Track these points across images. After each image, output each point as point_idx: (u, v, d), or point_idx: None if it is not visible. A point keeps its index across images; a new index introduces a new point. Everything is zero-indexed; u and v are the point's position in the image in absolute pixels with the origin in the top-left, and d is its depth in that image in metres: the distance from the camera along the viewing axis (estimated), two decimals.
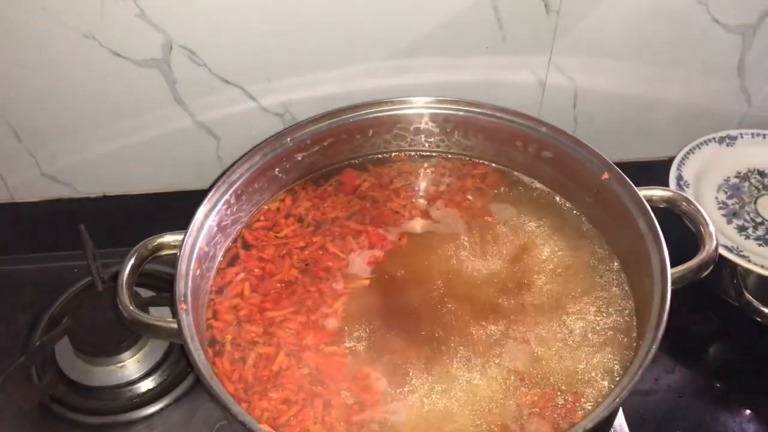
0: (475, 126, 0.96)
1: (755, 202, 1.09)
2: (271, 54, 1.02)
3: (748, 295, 0.96)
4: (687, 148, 1.13)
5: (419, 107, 0.96)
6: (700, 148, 1.14)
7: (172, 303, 0.75)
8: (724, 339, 1.04)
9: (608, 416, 0.68)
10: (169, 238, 0.80)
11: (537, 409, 0.74)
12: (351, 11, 0.99)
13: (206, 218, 0.83)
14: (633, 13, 1.05)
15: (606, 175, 0.87)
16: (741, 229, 1.05)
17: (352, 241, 0.90)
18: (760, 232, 1.04)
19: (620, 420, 0.89)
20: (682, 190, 1.07)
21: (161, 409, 0.92)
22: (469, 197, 0.96)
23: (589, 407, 0.74)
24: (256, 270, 0.86)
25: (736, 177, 1.13)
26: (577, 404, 0.74)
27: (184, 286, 0.76)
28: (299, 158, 0.94)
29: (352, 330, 0.81)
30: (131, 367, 0.94)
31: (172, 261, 0.80)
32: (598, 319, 0.82)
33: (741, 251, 0.99)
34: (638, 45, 1.09)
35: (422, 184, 0.98)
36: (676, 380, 0.96)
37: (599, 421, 0.65)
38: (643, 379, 0.68)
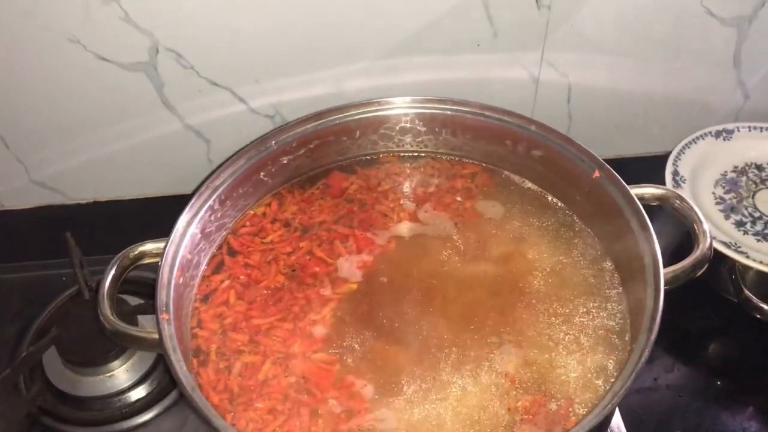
0: (463, 125, 0.95)
1: (753, 197, 1.07)
2: (260, 55, 1.01)
3: (747, 292, 0.94)
4: (683, 143, 1.12)
5: (406, 107, 0.95)
6: (696, 143, 1.13)
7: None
8: (724, 336, 1.03)
9: (602, 422, 0.66)
10: (150, 246, 0.79)
11: (529, 416, 0.73)
12: (339, 11, 0.98)
13: (189, 225, 0.81)
14: (625, 7, 1.04)
15: (597, 174, 0.85)
16: (739, 224, 1.03)
17: (339, 246, 0.88)
18: (759, 227, 1.02)
19: (617, 421, 0.87)
20: (679, 185, 1.06)
21: (152, 419, 0.90)
22: (458, 198, 0.94)
23: (583, 412, 0.72)
24: (242, 277, 0.85)
25: (734, 171, 1.11)
26: (570, 409, 0.73)
27: (165, 295, 0.74)
28: (285, 161, 0.93)
29: (339, 337, 0.80)
30: (120, 376, 0.93)
31: (156, 264, 0.78)
32: (590, 320, 0.80)
33: (739, 247, 0.97)
34: (631, 39, 1.08)
35: (411, 186, 0.97)
36: (675, 379, 0.95)
37: (591, 427, 0.63)
38: (638, 380, 0.67)
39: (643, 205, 0.80)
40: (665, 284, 0.73)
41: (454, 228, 0.91)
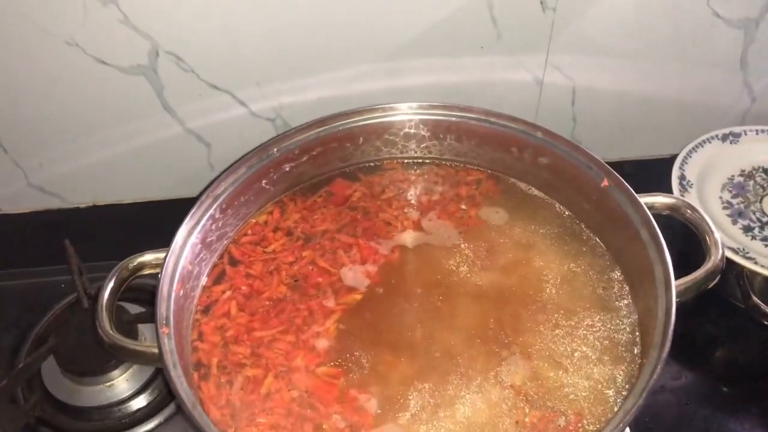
0: (468, 131, 0.93)
1: (761, 201, 1.06)
2: (261, 58, 1.01)
3: (755, 298, 0.93)
4: (689, 147, 1.11)
5: (410, 113, 0.93)
6: (702, 146, 1.11)
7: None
8: (731, 343, 1.01)
9: None
10: (149, 257, 0.78)
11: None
12: (342, 13, 0.97)
13: (189, 235, 0.80)
14: (631, 9, 1.03)
15: (606, 182, 0.84)
16: (747, 229, 1.02)
17: (343, 255, 0.87)
18: (767, 232, 1.01)
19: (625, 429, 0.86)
20: (686, 190, 1.05)
21: (152, 429, 0.89)
22: (463, 206, 0.93)
23: (592, 429, 0.71)
24: (244, 287, 0.84)
25: (741, 175, 1.10)
26: (579, 425, 0.72)
27: (166, 308, 0.73)
28: (287, 168, 0.91)
29: (343, 349, 0.78)
30: (120, 385, 0.92)
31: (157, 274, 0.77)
32: (599, 332, 0.79)
33: (747, 253, 0.96)
34: (637, 41, 1.07)
35: (415, 193, 0.95)
36: (682, 386, 0.94)
37: None
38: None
39: (653, 214, 0.79)
40: (676, 296, 0.71)
41: (459, 237, 0.89)
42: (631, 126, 1.19)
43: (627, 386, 0.74)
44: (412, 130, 0.95)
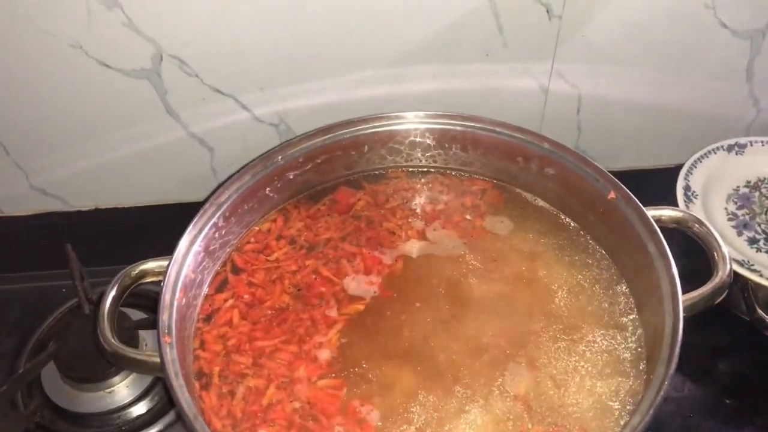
0: (474, 140, 0.92)
1: (766, 213, 1.05)
2: (265, 63, 1.00)
3: (760, 311, 0.93)
4: (694, 157, 1.10)
5: (416, 121, 0.93)
6: (708, 157, 1.11)
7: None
8: (735, 355, 1.01)
9: None
10: (152, 264, 0.77)
11: None
12: (346, 18, 0.97)
13: (192, 243, 0.79)
14: (637, 18, 1.02)
15: (612, 194, 0.83)
16: (752, 241, 1.01)
17: (346, 265, 0.86)
18: None
19: None
20: (690, 200, 1.04)
21: None
22: (468, 216, 0.92)
23: None
24: (246, 296, 0.83)
25: (746, 186, 1.09)
26: None
27: (168, 317, 0.72)
28: (291, 176, 0.91)
29: (346, 360, 0.78)
30: (121, 392, 0.91)
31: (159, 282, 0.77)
32: (604, 346, 0.79)
33: (752, 265, 0.95)
34: (643, 50, 1.06)
35: (419, 202, 0.95)
36: (685, 398, 0.94)
37: None
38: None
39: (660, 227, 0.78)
40: (683, 311, 0.71)
41: (464, 247, 0.89)
42: (636, 135, 1.18)
43: (632, 401, 0.73)
44: (418, 139, 0.94)
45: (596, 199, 0.85)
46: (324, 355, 0.78)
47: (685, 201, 1.04)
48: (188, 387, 0.68)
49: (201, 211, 0.81)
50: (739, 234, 1.03)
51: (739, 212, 1.06)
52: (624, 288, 0.83)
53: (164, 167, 1.11)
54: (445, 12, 0.98)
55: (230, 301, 0.83)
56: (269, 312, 0.82)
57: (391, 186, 0.96)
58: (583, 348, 0.78)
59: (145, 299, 0.98)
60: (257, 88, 1.03)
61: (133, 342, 0.90)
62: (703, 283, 0.76)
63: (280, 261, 0.87)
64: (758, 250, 1.00)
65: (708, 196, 1.07)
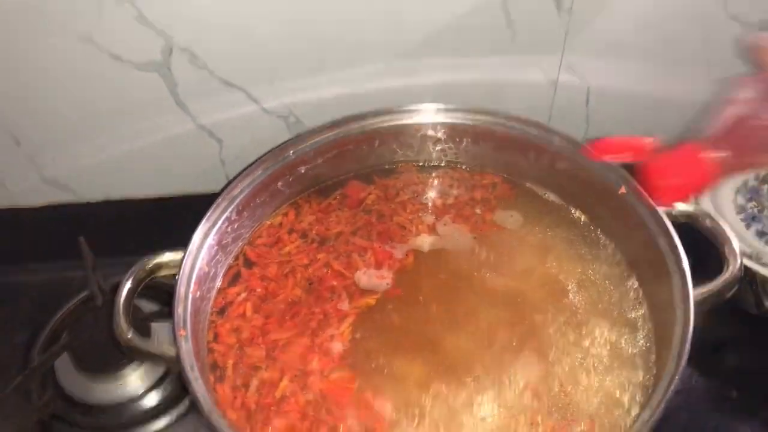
0: (485, 135, 0.92)
1: None
2: (274, 56, 1.00)
3: (767, 305, 0.92)
4: None
5: (428, 115, 0.93)
6: None
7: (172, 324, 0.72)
8: (742, 348, 1.01)
9: None
10: (167, 257, 0.78)
11: None
12: (356, 11, 0.96)
13: (206, 237, 0.80)
14: (647, 11, 1.02)
15: (623, 189, 0.83)
16: (761, 234, 1.01)
17: (357, 259, 0.87)
18: None
19: None
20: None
21: (165, 427, 0.89)
22: (478, 210, 0.92)
23: None
24: (259, 289, 0.84)
25: (755, 179, 1.09)
26: None
27: (183, 309, 0.73)
28: (303, 171, 0.91)
29: (358, 353, 0.78)
30: (133, 383, 0.92)
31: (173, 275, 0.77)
32: (613, 339, 0.79)
33: (761, 258, 0.95)
34: (653, 43, 1.06)
35: (429, 197, 0.95)
36: (692, 391, 0.94)
37: None
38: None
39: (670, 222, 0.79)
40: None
41: (474, 241, 0.89)
42: (645, 128, 1.17)
43: (641, 395, 0.73)
44: (429, 133, 0.94)
45: (607, 193, 0.85)
46: (336, 348, 0.78)
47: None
48: (203, 379, 0.69)
49: (214, 205, 0.81)
50: (748, 227, 1.03)
51: (748, 205, 1.06)
52: (634, 282, 0.83)
53: (173, 159, 1.11)
54: (455, 5, 0.97)
55: (243, 295, 0.83)
56: (282, 305, 0.82)
57: (402, 180, 0.96)
58: (593, 342, 0.79)
59: (156, 291, 0.98)
60: (267, 80, 1.03)
61: (145, 334, 0.90)
62: (708, 276, 0.76)
63: (292, 255, 0.87)
64: (767, 243, 1.00)
65: (717, 188, 1.07)
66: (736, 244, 0.77)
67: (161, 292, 0.98)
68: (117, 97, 1.02)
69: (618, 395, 0.74)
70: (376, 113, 0.91)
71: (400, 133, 0.93)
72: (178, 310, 0.73)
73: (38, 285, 1.05)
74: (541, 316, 0.81)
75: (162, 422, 0.89)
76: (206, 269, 0.79)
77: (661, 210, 0.79)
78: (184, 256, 0.76)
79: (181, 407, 0.91)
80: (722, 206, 1.05)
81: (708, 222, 0.80)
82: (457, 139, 0.94)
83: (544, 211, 0.92)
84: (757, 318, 0.94)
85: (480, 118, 0.91)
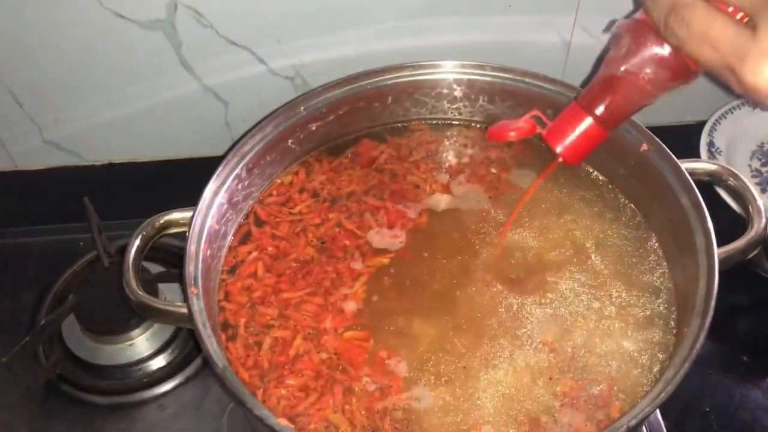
0: (502, 92, 0.90)
1: None
2: (281, 15, 0.98)
3: None
4: (718, 113, 1.09)
5: (443, 72, 0.90)
6: (732, 113, 1.10)
7: (181, 283, 0.71)
8: (755, 313, 1.01)
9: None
10: (176, 215, 0.76)
11: (569, 399, 0.70)
12: None
13: (216, 195, 0.78)
14: None
15: (645, 146, 0.81)
16: None
17: (370, 218, 0.85)
18: None
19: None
20: (714, 157, 1.03)
21: (173, 389, 0.89)
22: (493, 170, 0.91)
23: (623, 396, 0.70)
24: (270, 248, 0.82)
25: None
26: (611, 393, 0.70)
27: (194, 267, 0.71)
28: (314, 128, 0.89)
29: (372, 312, 0.77)
30: (141, 344, 0.92)
31: (181, 234, 0.76)
32: (633, 300, 0.78)
33: None
34: None
35: (443, 156, 0.93)
36: (704, 356, 0.92)
37: (645, 416, 0.61)
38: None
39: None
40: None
41: (489, 201, 0.87)
42: None
43: (661, 356, 0.72)
44: (445, 90, 0.92)
45: (627, 151, 0.83)
46: (350, 306, 0.77)
47: (708, 157, 1.03)
48: (215, 337, 0.68)
49: (224, 162, 0.79)
50: (764, 191, 1.03)
51: (764, 169, 1.05)
52: (654, 243, 0.82)
53: (178, 121, 1.10)
54: None
55: (254, 254, 0.81)
56: (294, 264, 0.81)
57: (415, 139, 0.94)
58: (612, 302, 0.78)
59: (163, 252, 0.98)
60: (273, 40, 1.01)
61: (152, 295, 0.89)
62: (726, 241, 0.75)
63: (303, 214, 0.86)
64: None
65: (732, 152, 1.06)
66: (761, 203, 0.75)
67: (168, 254, 0.98)
68: (120, 57, 1.01)
69: (637, 355, 0.73)
70: (390, 69, 0.89)
71: (414, 90, 0.91)
72: (189, 268, 0.71)
73: (43, 247, 1.04)
74: (558, 276, 0.80)
75: (170, 385, 0.89)
76: (216, 227, 0.78)
77: (684, 167, 0.77)
78: (194, 214, 0.74)
79: (189, 370, 0.90)
80: (737, 170, 1.03)
81: (731, 180, 0.78)
82: (473, 97, 0.92)
83: (561, 170, 0.90)
84: None
85: (498, 75, 0.89)
